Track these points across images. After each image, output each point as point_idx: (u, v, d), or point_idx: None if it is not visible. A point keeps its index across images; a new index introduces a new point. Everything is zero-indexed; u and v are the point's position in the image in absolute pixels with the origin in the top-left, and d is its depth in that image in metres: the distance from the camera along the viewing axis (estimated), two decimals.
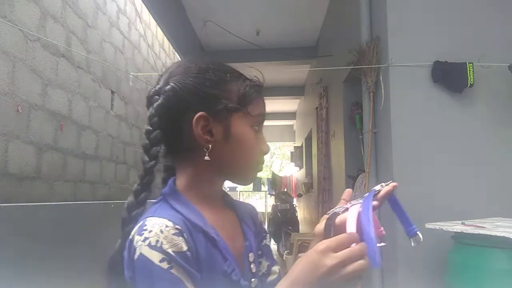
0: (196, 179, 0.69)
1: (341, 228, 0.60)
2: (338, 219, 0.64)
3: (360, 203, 0.63)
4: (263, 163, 0.74)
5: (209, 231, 0.64)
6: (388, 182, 0.70)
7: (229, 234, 0.69)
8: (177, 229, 0.58)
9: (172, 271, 0.55)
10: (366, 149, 2.77)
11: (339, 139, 4.14)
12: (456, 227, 1.79)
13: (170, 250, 0.56)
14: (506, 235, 1.52)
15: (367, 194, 0.66)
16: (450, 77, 2.47)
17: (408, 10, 2.60)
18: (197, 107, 0.65)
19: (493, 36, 2.56)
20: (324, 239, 0.57)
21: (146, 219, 0.59)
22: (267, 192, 11.68)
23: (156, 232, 0.56)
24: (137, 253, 0.56)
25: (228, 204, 0.77)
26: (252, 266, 0.71)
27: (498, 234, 1.56)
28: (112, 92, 3.52)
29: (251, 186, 11.54)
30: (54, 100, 2.59)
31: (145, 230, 0.57)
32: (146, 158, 0.69)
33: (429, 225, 1.95)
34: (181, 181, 0.70)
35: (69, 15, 2.78)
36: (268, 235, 0.91)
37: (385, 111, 2.58)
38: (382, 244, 0.69)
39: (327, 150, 4.94)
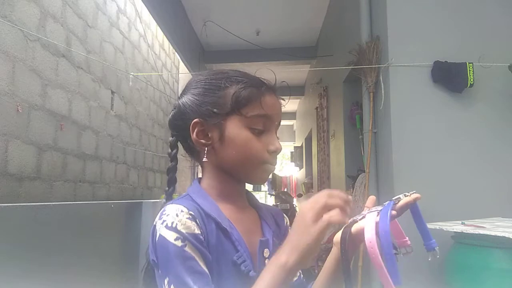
0: (214, 179, 0.76)
1: (358, 236, 0.63)
2: (354, 228, 0.67)
3: (378, 210, 0.63)
4: (271, 163, 0.74)
5: (222, 222, 0.69)
6: (411, 192, 0.72)
7: (247, 230, 0.73)
8: (190, 214, 0.66)
9: (186, 248, 0.62)
10: (366, 149, 2.77)
11: (339, 139, 4.14)
12: (456, 227, 1.79)
13: (184, 231, 0.63)
14: (506, 235, 1.52)
15: (386, 202, 0.66)
16: (450, 77, 2.47)
17: (408, 10, 2.60)
18: (194, 114, 0.73)
19: (493, 36, 2.56)
20: (340, 247, 0.64)
21: (166, 205, 0.68)
22: (267, 192, 11.68)
23: (172, 215, 0.64)
24: (157, 235, 0.64)
25: (252, 204, 0.82)
26: (266, 261, 0.71)
27: (498, 234, 1.56)
28: (112, 92, 3.52)
29: (251, 186, 11.52)
30: (54, 100, 2.59)
31: (164, 214, 0.65)
32: (169, 159, 0.82)
33: (429, 225, 1.94)
34: (203, 180, 0.78)
35: (69, 15, 2.78)
36: None
37: (385, 111, 2.58)
38: (406, 252, 0.70)
39: (327, 150, 4.94)
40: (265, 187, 11.48)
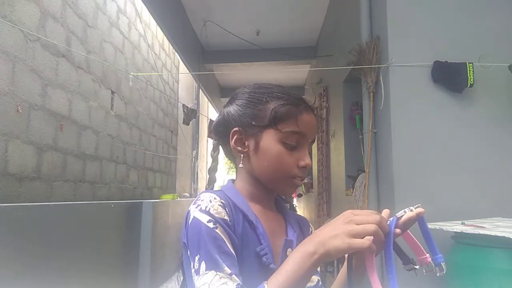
0: (246, 182, 0.83)
1: (363, 254, 0.63)
2: None
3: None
4: (299, 178, 0.79)
5: (249, 214, 0.75)
6: (416, 206, 0.72)
7: (272, 230, 0.78)
8: (222, 202, 0.73)
9: (217, 230, 0.68)
10: (366, 149, 2.77)
11: (339, 139, 4.14)
12: (456, 227, 1.79)
13: (216, 215, 0.70)
14: (506, 235, 1.52)
15: (391, 219, 0.66)
16: (450, 77, 2.47)
17: (408, 10, 2.60)
18: (236, 123, 0.81)
19: (493, 36, 2.56)
20: (347, 265, 0.67)
21: (201, 193, 0.75)
22: None
23: (206, 201, 0.71)
24: (191, 217, 0.70)
25: (279, 209, 0.87)
26: None
27: (498, 234, 1.56)
28: (112, 92, 3.52)
29: None
30: (54, 100, 2.58)
31: (199, 199, 0.72)
32: (211, 159, 0.90)
33: (429, 225, 1.94)
34: (236, 182, 0.85)
35: (69, 15, 2.77)
36: None
37: (385, 111, 2.58)
38: (428, 270, 0.69)
39: (327, 150, 4.94)
40: None
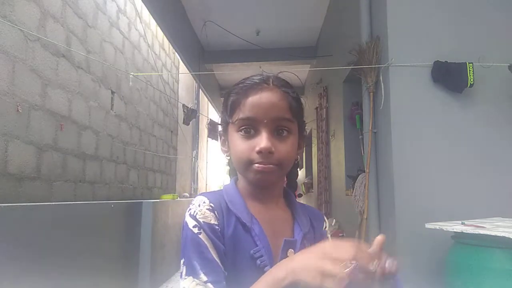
0: (243, 181, 0.82)
1: None
2: None
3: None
4: (257, 163, 0.73)
5: (242, 217, 0.74)
6: (392, 260, 0.58)
7: (274, 230, 0.76)
8: (210, 206, 0.73)
9: (200, 236, 0.70)
10: (366, 149, 2.77)
11: (339, 139, 4.14)
12: (456, 227, 1.79)
13: (201, 220, 0.71)
14: (506, 235, 1.52)
15: (350, 265, 0.54)
16: (450, 77, 2.47)
17: (408, 10, 2.60)
18: (221, 127, 0.84)
19: (493, 36, 2.56)
20: None
21: (196, 196, 0.76)
22: None
23: (196, 205, 0.73)
24: (184, 220, 0.73)
25: (289, 204, 0.84)
26: None
27: (498, 234, 1.56)
28: (112, 92, 3.52)
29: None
30: (54, 100, 2.59)
31: (191, 203, 0.74)
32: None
33: (429, 225, 1.95)
34: (238, 181, 0.84)
35: (69, 15, 2.77)
36: None
37: (385, 111, 2.58)
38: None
39: (327, 150, 4.94)
40: None
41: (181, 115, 5.38)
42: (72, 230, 2.22)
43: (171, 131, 5.53)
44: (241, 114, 0.74)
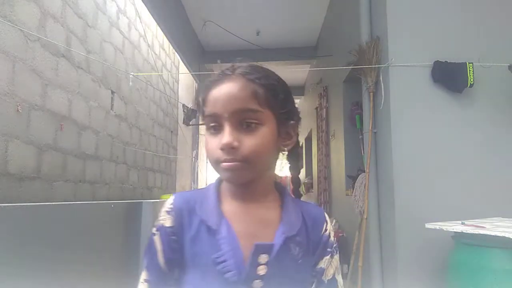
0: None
1: None
2: None
3: None
4: (222, 161, 0.67)
5: (208, 219, 0.69)
6: None
7: (249, 232, 0.70)
8: (170, 207, 0.71)
9: (154, 237, 0.71)
10: (366, 149, 2.77)
11: (339, 139, 4.14)
12: (456, 227, 1.79)
13: (159, 222, 0.71)
14: (506, 235, 1.52)
15: None
16: (450, 77, 2.47)
17: (408, 10, 2.60)
18: None
19: (493, 36, 2.56)
20: None
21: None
22: None
23: (163, 205, 0.73)
24: None
25: (284, 201, 0.75)
26: (261, 267, 0.66)
27: (498, 234, 1.56)
28: (112, 92, 3.52)
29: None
30: (54, 100, 2.58)
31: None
32: None
33: (429, 225, 1.95)
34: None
35: (69, 15, 2.77)
36: (334, 255, 0.78)
37: (385, 111, 2.58)
38: None
39: (327, 150, 4.94)
40: None
41: (181, 115, 5.39)
42: (72, 230, 2.22)
43: (171, 131, 5.53)
44: (206, 111, 0.70)
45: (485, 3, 2.60)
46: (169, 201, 0.72)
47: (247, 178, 0.69)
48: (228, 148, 0.66)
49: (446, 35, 2.57)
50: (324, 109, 5.05)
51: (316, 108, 5.63)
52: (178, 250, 0.69)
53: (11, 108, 2.16)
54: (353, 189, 3.16)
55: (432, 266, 2.26)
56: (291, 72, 7.07)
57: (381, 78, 2.62)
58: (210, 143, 0.70)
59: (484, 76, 2.45)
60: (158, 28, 4.65)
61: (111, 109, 3.51)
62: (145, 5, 3.95)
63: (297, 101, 9.24)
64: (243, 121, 0.67)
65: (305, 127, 7.47)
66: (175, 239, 0.69)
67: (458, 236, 1.86)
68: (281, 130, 0.72)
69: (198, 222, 0.70)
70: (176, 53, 5.31)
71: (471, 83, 2.42)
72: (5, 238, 1.70)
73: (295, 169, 0.83)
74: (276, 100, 0.70)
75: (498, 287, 1.62)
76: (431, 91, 2.53)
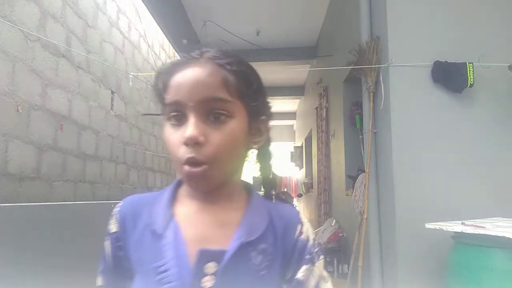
0: None
1: None
2: None
3: None
4: (185, 161, 0.57)
5: (152, 222, 0.61)
6: None
7: (201, 236, 0.60)
8: (116, 211, 0.66)
9: (105, 243, 0.66)
10: (366, 149, 2.77)
11: (339, 139, 4.14)
12: (456, 227, 1.79)
13: (108, 227, 0.66)
14: (506, 235, 1.52)
15: None
16: (450, 77, 2.47)
17: (408, 10, 2.60)
18: None
19: (493, 36, 2.56)
20: None
21: None
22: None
23: None
24: None
25: (249, 204, 0.65)
26: (206, 279, 0.56)
27: (498, 234, 1.56)
28: (112, 92, 3.52)
29: None
30: (54, 100, 2.59)
31: None
32: None
33: (429, 225, 1.95)
34: None
35: (69, 15, 2.77)
36: (316, 262, 0.64)
37: (385, 111, 2.58)
38: None
39: (327, 150, 4.94)
40: None
41: None
42: (72, 230, 2.22)
43: None
44: (167, 98, 0.60)
45: (485, 3, 2.60)
46: (118, 205, 0.67)
47: (214, 184, 0.60)
48: (193, 143, 0.56)
49: (446, 35, 2.57)
50: (324, 109, 5.05)
51: (316, 108, 5.63)
52: (124, 256, 0.63)
53: (11, 108, 2.16)
54: (353, 189, 3.16)
55: (432, 266, 2.26)
56: (291, 72, 7.08)
57: (381, 78, 2.62)
58: (172, 137, 0.59)
59: (484, 76, 2.45)
60: (158, 28, 4.65)
61: (111, 109, 3.51)
62: (145, 5, 3.96)
63: (296, 101, 9.28)
64: (210, 112, 0.58)
65: (305, 127, 7.47)
66: (120, 245, 0.64)
67: (458, 236, 1.86)
68: (252, 125, 0.63)
69: (143, 226, 0.62)
70: (176, 53, 5.31)
71: (471, 83, 2.42)
72: (5, 238, 1.70)
73: (266, 170, 0.72)
74: (248, 90, 0.61)
75: (498, 287, 1.62)
76: (431, 91, 2.53)
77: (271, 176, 0.73)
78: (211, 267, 0.57)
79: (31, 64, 2.34)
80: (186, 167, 0.57)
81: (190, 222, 0.61)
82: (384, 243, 2.60)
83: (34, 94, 2.37)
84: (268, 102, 0.68)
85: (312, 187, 6.59)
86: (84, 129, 3.00)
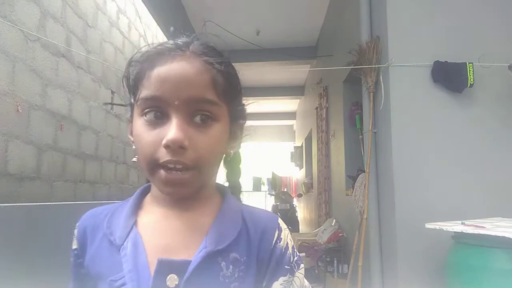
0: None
1: None
2: None
3: None
4: (164, 165, 0.52)
5: (110, 232, 0.56)
6: None
7: (166, 245, 0.54)
8: (76, 226, 0.61)
9: (71, 261, 0.62)
10: (366, 149, 2.77)
11: (339, 139, 4.14)
12: (456, 227, 1.79)
13: (71, 245, 0.62)
14: (506, 235, 1.52)
15: None
16: (450, 77, 2.47)
17: (408, 10, 2.60)
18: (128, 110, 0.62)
19: (493, 36, 2.56)
20: None
21: None
22: (267, 192, 11.69)
23: None
24: None
25: (221, 209, 0.59)
26: None
27: (498, 234, 1.56)
28: (112, 92, 3.52)
29: (251, 185, 11.53)
30: (54, 100, 2.59)
31: None
32: None
33: (429, 225, 1.95)
34: None
35: (69, 15, 2.77)
36: (295, 273, 0.58)
37: (385, 111, 2.58)
38: None
39: (327, 150, 4.94)
40: (265, 187, 11.50)
41: None
42: (72, 230, 2.22)
43: None
44: (144, 91, 0.53)
45: (485, 3, 2.60)
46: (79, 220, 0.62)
47: (192, 190, 0.55)
48: (176, 147, 0.50)
49: (446, 35, 2.57)
50: (324, 109, 5.05)
51: (316, 108, 5.63)
52: (86, 274, 0.58)
53: (11, 108, 2.16)
54: (353, 189, 3.15)
55: (432, 266, 2.26)
56: (291, 72, 7.08)
57: (381, 78, 2.62)
58: (146, 136, 0.53)
59: (484, 76, 2.45)
60: (158, 28, 4.65)
61: (111, 109, 3.51)
62: (145, 5, 3.96)
63: (296, 101, 9.28)
64: (195, 113, 0.53)
65: (305, 127, 7.48)
66: (81, 262, 0.59)
67: (458, 236, 1.86)
68: (231, 129, 0.59)
69: (101, 236, 0.57)
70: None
71: (471, 83, 2.42)
72: (5, 238, 1.70)
73: (235, 174, 0.67)
74: (233, 92, 0.58)
75: (498, 287, 1.62)
76: (431, 91, 2.53)
77: (239, 180, 0.68)
78: (172, 279, 0.50)
79: (31, 64, 2.34)
80: (163, 172, 0.51)
81: (153, 230, 0.55)
82: (384, 243, 2.60)
83: (34, 94, 2.37)
84: (244, 105, 0.64)
85: (312, 187, 6.59)
86: (84, 129, 3.00)
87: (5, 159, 2.11)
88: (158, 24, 4.47)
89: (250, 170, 11.26)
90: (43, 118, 2.47)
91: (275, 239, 0.57)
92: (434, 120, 2.51)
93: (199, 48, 0.57)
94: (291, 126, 11.56)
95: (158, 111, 0.53)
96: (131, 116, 0.59)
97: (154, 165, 0.52)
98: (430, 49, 2.54)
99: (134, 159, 0.59)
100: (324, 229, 4.27)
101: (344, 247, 3.86)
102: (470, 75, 2.42)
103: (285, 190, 9.86)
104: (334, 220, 4.32)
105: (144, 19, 4.36)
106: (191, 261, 0.51)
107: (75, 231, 0.61)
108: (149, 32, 4.61)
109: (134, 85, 0.55)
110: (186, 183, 0.52)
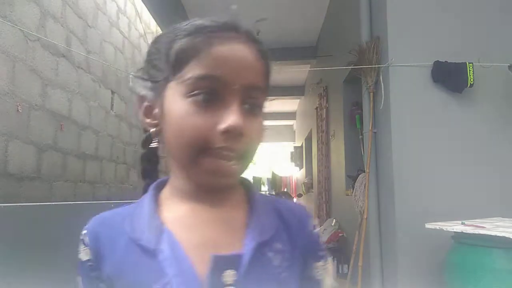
0: (173, 172, 0.56)
1: None
2: None
3: None
4: (222, 151, 0.47)
5: (139, 237, 0.50)
6: None
7: (208, 240, 0.50)
8: (84, 235, 0.54)
9: (77, 278, 0.55)
10: (366, 149, 2.77)
11: (339, 139, 4.14)
12: (456, 227, 1.79)
13: (78, 257, 0.54)
14: (506, 235, 1.52)
15: None
16: (450, 77, 2.47)
17: (408, 10, 2.60)
18: (143, 88, 0.56)
19: (493, 36, 2.56)
20: None
21: None
22: (267, 192, 11.70)
23: None
24: None
25: (251, 201, 0.56)
26: None
27: (498, 234, 1.56)
28: (112, 92, 3.52)
29: None
30: (54, 100, 2.59)
31: None
32: None
33: (429, 225, 1.95)
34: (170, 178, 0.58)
35: (69, 15, 2.77)
36: (325, 261, 0.57)
37: (385, 111, 2.58)
38: None
39: (327, 150, 4.94)
40: (264, 187, 11.50)
41: None
42: (72, 230, 2.22)
43: None
44: (199, 70, 0.47)
45: (485, 3, 2.60)
46: (85, 228, 0.54)
47: (235, 181, 0.53)
48: (237, 134, 0.47)
49: (446, 35, 2.57)
50: (324, 109, 5.05)
51: (316, 108, 5.63)
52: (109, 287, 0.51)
53: (11, 108, 2.16)
54: (353, 189, 3.15)
55: (432, 266, 2.26)
56: (291, 72, 7.08)
57: (381, 78, 2.62)
58: (197, 120, 0.47)
59: (484, 76, 2.45)
60: (158, 28, 4.65)
61: (111, 109, 3.51)
62: (145, 5, 3.96)
63: (296, 101, 9.28)
64: (246, 100, 0.49)
65: (305, 127, 7.48)
66: (98, 275, 0.52)
67: (458, 236, 1.86)
68: None
69: (125, 243, 0.50)
70: None
71: (471, 83, 2.42)
72: (5, 238, 1.70)
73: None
74: (269, 85, 0.55)
75: (497, 287, 1.62)
76: (431, 91, 2.53)
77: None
78: (229, 275, 0.47)
79: (31, 64, 2.34)
80: (212, 159, 0.47)
81: (185, 228, 0.51)
82: (384, 243, 2.60)
83: (34, 94, 2.37)
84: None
85: (312, 187, 6.59)
86: (84, 129, 3.00)
87: (5, 159, 2.11)
88: (158, 24, 4.47)
89: (250, 170, 11.27)
90: (43, 118, 2.47)
91: (310, 227, 0.58)
92: (434, 120, 2.51)
93: (252, 34, 0.54)
94: (291, 126, 11.57)
95: (213, 93, 0.48)
96: (155, 94, 0.53)
97: (200, 151, 0.47)
98: (430, 49, 2.54)
99: (155, 144, 0.55)
100: (324, 229, 4.27)
101: (344, 247, 3.86)
102: (470, 75, 2.42)
103: (285, 190, 9.86)
104: (334, 220, 4.32)
105: (144, 19, 4.36)
106: (243, 254, 0.49)
107: (85, 240, 0.53)
108: (149, 32, 4.61)
109: (177, 61, 0.49)
110: (234, 173, 0.50)
